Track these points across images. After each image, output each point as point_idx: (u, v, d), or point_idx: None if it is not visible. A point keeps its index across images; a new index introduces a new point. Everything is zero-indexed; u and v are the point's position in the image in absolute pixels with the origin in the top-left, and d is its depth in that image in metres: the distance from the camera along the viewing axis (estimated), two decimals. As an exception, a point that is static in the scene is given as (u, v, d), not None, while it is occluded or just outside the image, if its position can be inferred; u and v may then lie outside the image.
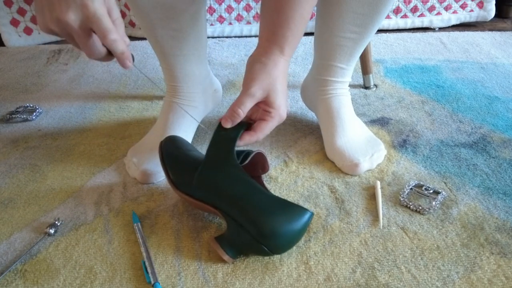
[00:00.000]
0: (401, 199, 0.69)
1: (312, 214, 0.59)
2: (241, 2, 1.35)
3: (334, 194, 0.71)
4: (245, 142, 0.60)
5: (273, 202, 0.59)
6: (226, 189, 0.60)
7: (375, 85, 1.04)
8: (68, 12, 0.49)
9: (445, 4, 1.36)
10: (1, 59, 1.26)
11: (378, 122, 0.90)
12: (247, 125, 0.61)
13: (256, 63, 0.59)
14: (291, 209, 0.58)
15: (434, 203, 0.67)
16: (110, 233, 0.65)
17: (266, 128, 0.60)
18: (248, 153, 0.64)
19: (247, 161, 0.63)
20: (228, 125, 0.60)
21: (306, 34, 1.33)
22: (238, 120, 0.60)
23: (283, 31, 0.59)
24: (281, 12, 0.58)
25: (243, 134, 0.60)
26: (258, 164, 0.66)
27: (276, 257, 0.60)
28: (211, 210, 0.62)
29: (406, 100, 0.97)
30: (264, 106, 0.60)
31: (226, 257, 0.59)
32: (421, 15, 1.37)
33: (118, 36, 0.52)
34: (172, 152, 0.67)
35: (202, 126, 0.73)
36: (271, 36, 0.59)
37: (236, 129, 0.60)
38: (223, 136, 0.61)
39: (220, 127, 0.61)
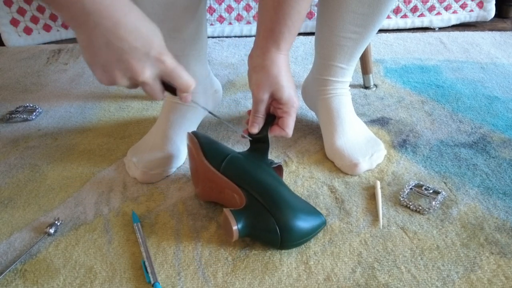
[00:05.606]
0: (401, 199, 0.69)
1: (325, 222, 0.64)
2: (241, 2, 1.35)
3: (334, 194, 0.71)
4: (275, 134, 0.65)
5: (297, 199, 0.63)
6: (256, 174, 0.63)
7: (375, 85, 1.04)
8: (145, 71, 0.50)
9: (445, 4, 1.36)
10: (1, 59, 1.26)
11: (378, 122, 0.90)
12: (273, 120, 0.65)
13: (256, 68, 0.62)
14: (310, 210, 0.63)
15: (434, 203, 0.67)
16: (110, 233, 0.65)
17: (289, 123, 0.64)
18: (272, 162, 0.68)
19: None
20: (255, 130, 0.64)
21: (306, 34, 1.33)
22: (262, 121, 0.64)
23: (279, 27, 0.60)
24: (278, 9, 0.59)
25: (273, 127, 0.65)
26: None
27: (276, 257, 0.60)
28: (232, 188, 0.64)
29: (406, 100, 0.97)
30: (276, 104, 0.64)
31: (235, 227, 0.58)
32: (421, 15, 1.37)
33: (191, 80, 0.55)
34: (206, 137, 0.71)
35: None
36: (268, 32, 0.61)
37: (264, 130, 0.65)
38: (254, 136, 0.66)
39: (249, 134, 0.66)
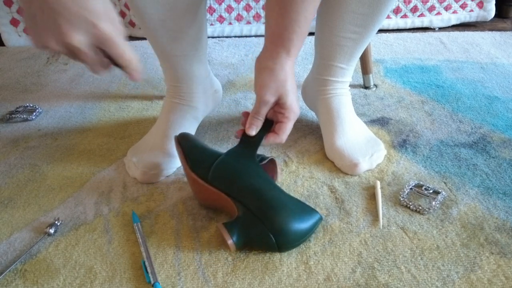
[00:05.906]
0: (401, 199, 0.69)
1: (321, 217, 0.63)
2: (241, 2, 1.35)
3: (334, 194, 0.71)
4: (269, 142, 0.65)
5: (289, 199, 0.61)
6: (245, 179, 0.62)
7: (375, 85, 1.04)
8: (74, 33, 0.46)
9: (445, 4, 1.36)
10: (1, 59, 1.26)
11: (378, 122, 0.90)
12: (270, 125, 0.65)
13: (264, 70, 0.62)
14: (304, 208, 0.61)
15: (434, 203, 0.67)
16: (110, 233, 0.65)
17: (287, 128, 0.64)
18: (262, 158, 0.67)
19: (261, 164, 0.66)
20: (253, 132, 0.64)
21: (306, 34, 1.33)
22: (260, 124, 0.64)
23: (288, 34, 0.61)
24: (285, 15, 0.60)
25: (268, 135, 0.65)
26: (268, 170, 0.68)
27: (276, 257, 0.60)
28: (222, 198, 0.63)
29: (406, 100, 0.97)
30: (278, 109, 0.64)
31: (230, 241, 0.58)
32: (421, 15, 1.37)
33: (133, 53, 0.50)
34: (191, 140, 0.69)
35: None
36: (277, 38, 0.61)
37: (259, 133, 0.65)
38: (248, 138, 0.65)
39: (244, 134, 0.65)
